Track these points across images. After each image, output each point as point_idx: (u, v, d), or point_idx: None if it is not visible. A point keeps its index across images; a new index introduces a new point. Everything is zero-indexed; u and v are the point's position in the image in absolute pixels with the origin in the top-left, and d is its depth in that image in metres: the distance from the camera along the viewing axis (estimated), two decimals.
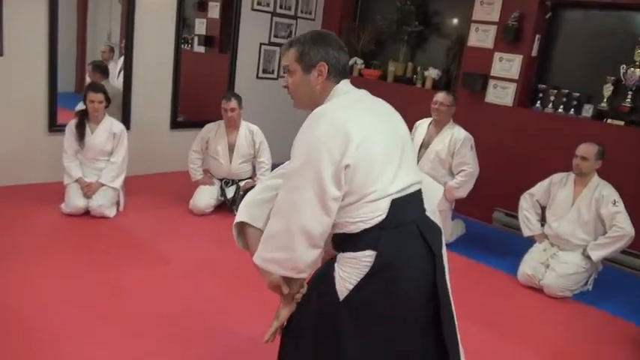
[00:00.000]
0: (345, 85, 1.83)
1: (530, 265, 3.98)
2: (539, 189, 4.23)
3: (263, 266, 1.76)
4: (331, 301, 1.72)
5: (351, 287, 1.69)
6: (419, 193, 1.81)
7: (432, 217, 1.86)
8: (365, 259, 1.67)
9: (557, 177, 4.17)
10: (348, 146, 1.61)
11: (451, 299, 1.86)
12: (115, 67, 5.76)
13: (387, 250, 1.66)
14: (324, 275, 1.78)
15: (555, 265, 3.90)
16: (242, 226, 1.97)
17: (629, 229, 3.80)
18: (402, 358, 1.75)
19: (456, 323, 1.89)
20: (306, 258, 1.69)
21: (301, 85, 1.82)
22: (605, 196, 3.88)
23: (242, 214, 1.96)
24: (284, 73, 1.89)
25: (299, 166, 1.66)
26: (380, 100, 1.91)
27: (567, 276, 3.85)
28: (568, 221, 4.01)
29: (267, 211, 1.88)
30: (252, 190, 2.03)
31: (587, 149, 3.92)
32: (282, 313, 1.87)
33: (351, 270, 1.70)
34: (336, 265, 1.75)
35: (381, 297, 1.68)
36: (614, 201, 3.85)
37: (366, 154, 1.64)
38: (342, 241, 1.75)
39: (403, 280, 1.68)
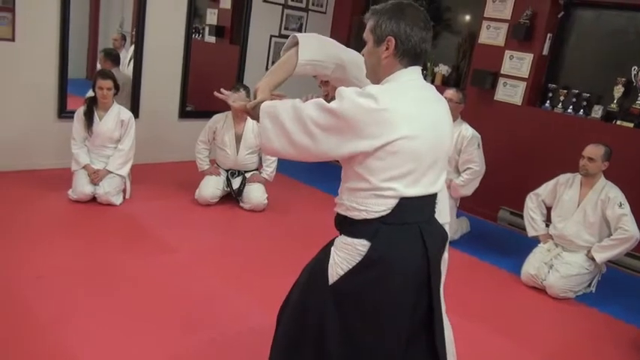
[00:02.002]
0: (411, 72, 1.72)
1: (533, 265, 3.98)
2: (545, 189, 4.22)
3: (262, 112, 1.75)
4: (321, 285, 1.75)
5: (341, 273, 1.71)
6: (433, 197, 1.78)
7: (445, 214, 1.85)
8: (359, 247, 1.68)
9: (563, 177, 4.15)
10: (383, 138, 1.57)
11: (442, 306, 1.87)
12: (126, 55, 5.79)
13: (382, 245, 1.66)
14: (320, 259, 1.81)
15: (559, 265, 3.89)
16: (294, 44, 1.97)
17: (634, 232, 3.78)
18: (383, 354, 1.73)
19: (448, 330, 1.90)
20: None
21: (370, 56, 1.76)
22: (611, 198, 3.86)
23: (304, 38, 1.96)
24: None
25: (334, 109, 1.60)
26: (442, 101, 1.80)
27: (570, 277, 3.84)
28: (573, 222, 4.00)
29: (321, 52, 1.95)
30: (328, 39, 2.06)
31: (594, 150, 3.90)
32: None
33: (344, 255, 1.71)
34: (333, 248, 1.77)
35: (368, 289, 1.68)
36: (620, 203, 3.83)
37: (399, 152, 1.60)
38: (343, 223, 1.76)
39: (393, 278, 1.67)
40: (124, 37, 6.01)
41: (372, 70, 1.78)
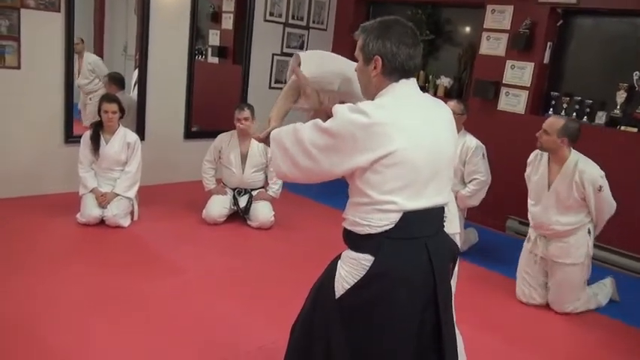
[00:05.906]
0: (403, 85, 1.73)
1: (520, 287, 3.85)
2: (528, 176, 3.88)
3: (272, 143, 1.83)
4: (328, 298, 1.76)
5: (347, 287, 1.71)
6: (439, 210, 1.77)
7: (454, 224, 1.86)
8: (364, 262, 1.69)
9: (532, 155, 3.83)
10: (379, 151, 1.60)
11: (454, 320, 1.86)
12: (131, 79, 5.84)
13: (386, 259, 1.66)
14: (328, 273, 1.82)
15: (553, 284, 3.71)
16: (298, 63, 2.04)
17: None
18: None
19: (459, 341, 1.89)
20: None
21: (361, 73, 1.79)
22: (586, 183, 3.44)
23: (306, 56, 2.05)
24: None
25: (328, 128, 1.65)
26: (442, 107, 1.82)
27: (571, 291, 3.69)
28: (545, 206, 3.64)
29: (324, 67, 2.03)
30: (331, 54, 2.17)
31: (551, 122, 3.55)
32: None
33: (350, 269, 1.72)
34: (339, 262, 1.78)
35: (373, 304, 1.69)
36: (600, 187, 3.43)
37: (395, 165, 1.61)
38: (349, 237, 1.78)
39: (397, 292, 1.67)
40: (82, 41, 5.77)
41: (364, 87, 1.81)
